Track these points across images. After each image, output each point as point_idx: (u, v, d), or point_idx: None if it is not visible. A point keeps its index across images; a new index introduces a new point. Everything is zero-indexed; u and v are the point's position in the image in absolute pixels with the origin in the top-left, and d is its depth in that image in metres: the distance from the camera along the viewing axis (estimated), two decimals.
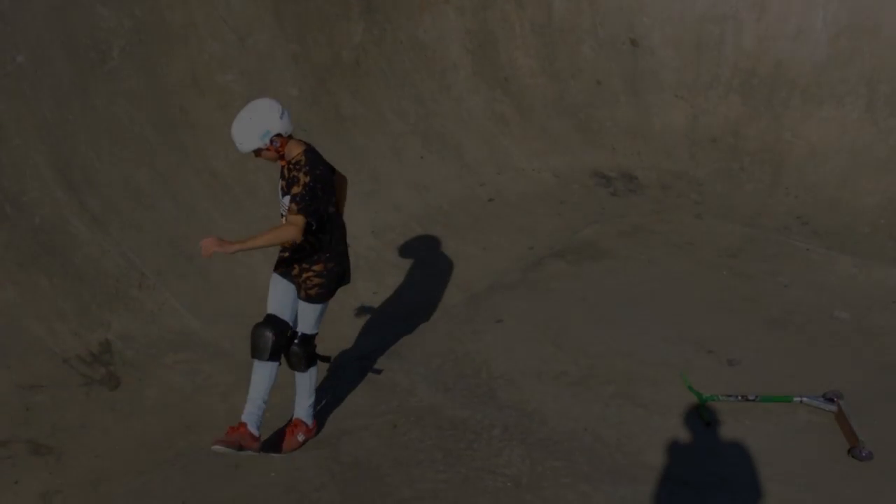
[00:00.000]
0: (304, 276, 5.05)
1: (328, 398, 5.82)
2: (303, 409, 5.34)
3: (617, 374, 6.08)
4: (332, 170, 5.11)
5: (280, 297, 5.15)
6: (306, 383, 5.26)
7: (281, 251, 5.13)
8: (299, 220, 4.75)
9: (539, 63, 9.79)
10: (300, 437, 5.33)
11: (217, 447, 4.95)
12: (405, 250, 7.65)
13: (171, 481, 5.07)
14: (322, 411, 5.68)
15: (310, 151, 4.93)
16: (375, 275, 7.22)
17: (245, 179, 7.36)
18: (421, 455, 5.31)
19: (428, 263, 7.50)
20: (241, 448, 5.00)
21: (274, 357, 5.06)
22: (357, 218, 7.70)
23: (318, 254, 5.02)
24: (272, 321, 5.08)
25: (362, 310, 6.80)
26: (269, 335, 5.02)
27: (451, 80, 9.36)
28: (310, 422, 5.38)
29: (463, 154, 8.95)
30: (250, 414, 5.08)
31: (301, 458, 5.26)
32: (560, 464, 5.24)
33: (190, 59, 7.60)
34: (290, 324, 5.16)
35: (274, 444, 5.37)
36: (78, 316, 6.06)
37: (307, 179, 4.78)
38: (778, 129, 9.17)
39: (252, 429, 5.06)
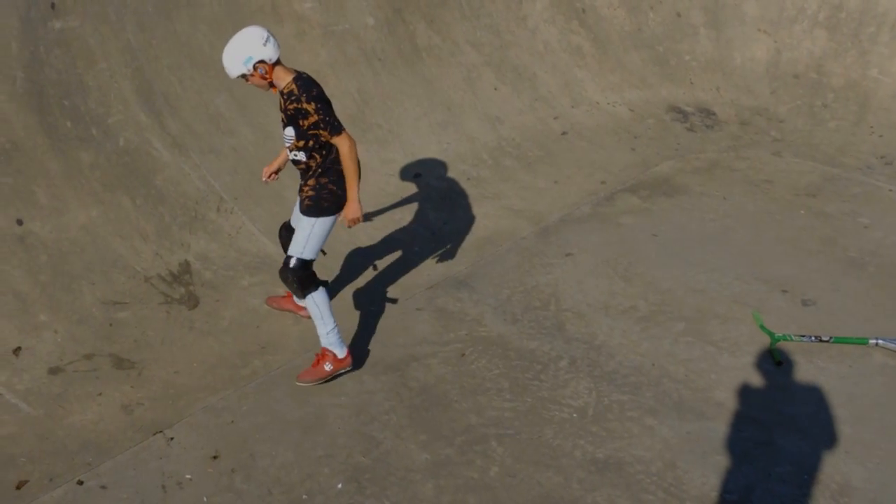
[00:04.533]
0: (303, 191, 5.15)
1: (396, 326, 5.92)
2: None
3: (687, 310, 6.06)
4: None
5: (295, 214, 5.38)
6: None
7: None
8: (343, 138, 4.90)
9: None
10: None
11: (301, 382, 5.28)
12: (477, 181, 7.65)
13: (245, 399, 5.25)
14: (390, 338, 5.78)
15: (299, 78, 4.91)
16: (446, 205, 7.25)
17: None
18: (488, 384, 5.40)
19: (499, 195, 7.49)
20: (331, 375, 5.29)
21: (308, 289, 5.18)
22: (429, 148, 7.72)
23: (313, 170, 5.07)
24: (288, 259, 5.22)
25: (433, 239, 6.85)
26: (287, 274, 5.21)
27: (527, 11, 9.22)
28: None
29: (537, 86, 8.86)
30: (322, 341, 5.29)
31: (370, 382, 5.39)
32: (626, 397, 5.28)
33: None
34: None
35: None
36: (159, 237, 6.24)
37: (313, 105, 4.82)
38: (864, 66, 8.87)
39: (334, 350, 5.27)
